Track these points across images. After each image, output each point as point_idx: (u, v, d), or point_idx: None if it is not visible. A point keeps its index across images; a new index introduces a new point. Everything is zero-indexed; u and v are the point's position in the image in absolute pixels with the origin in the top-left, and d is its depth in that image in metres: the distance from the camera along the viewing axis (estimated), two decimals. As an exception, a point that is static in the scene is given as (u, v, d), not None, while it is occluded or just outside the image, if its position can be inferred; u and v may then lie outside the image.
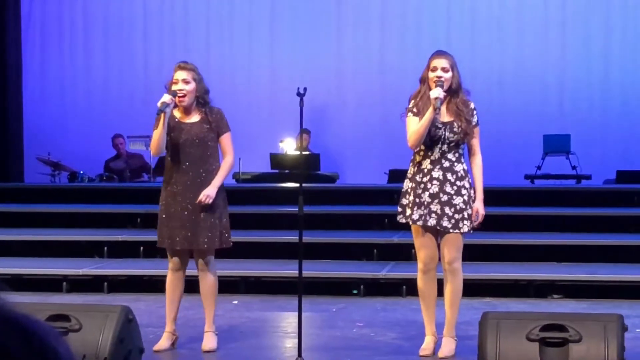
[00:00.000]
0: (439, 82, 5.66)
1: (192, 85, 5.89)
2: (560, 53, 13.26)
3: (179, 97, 5.86)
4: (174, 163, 5.93)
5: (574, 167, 12.14)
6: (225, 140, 5.99)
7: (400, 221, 5.90)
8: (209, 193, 5.85)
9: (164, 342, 6.00)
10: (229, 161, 5.99)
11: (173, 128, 5.91)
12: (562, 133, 12.38)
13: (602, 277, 8.18)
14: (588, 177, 12.08)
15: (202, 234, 5.89)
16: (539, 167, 12.20)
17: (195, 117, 5.95)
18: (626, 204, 10.04)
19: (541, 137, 12.28)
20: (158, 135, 5.80)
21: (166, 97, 5.79)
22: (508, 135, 12.74)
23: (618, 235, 9.15)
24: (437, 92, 5.61)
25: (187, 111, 5.94)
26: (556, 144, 12.23)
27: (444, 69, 5.72)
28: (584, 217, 9.59)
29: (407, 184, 5.85)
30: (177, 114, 5.96)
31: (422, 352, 5.81)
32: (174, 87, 5.87)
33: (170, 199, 5.93)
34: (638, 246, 8.87)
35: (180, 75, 5.88)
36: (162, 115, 5.76)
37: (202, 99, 5.94)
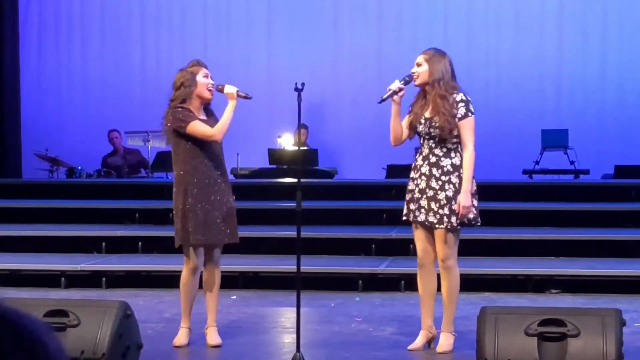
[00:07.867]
0: (407, 76, 5.79)
1: None
2: (557, 48, 13.25)
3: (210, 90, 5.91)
4: (201, 160, 5.87)
5: (572, 162, 12.13)
6: None
7: (402, 219, 5.93)
8: None
9: (184, 338, 5.99)
10: None
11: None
12: (560, 128, 12.38)
13: (600, 272, 8.18)
14: (586, 172, 12.07)
15: (235, 228, 6.01)
16: (537, 162, 12.20)
17: (204, 115, 5.94)
18: (624, 199, 10.03)
19: (539, 132, 12.28)
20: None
21: None
22: (506, 130, 12.73)
23: (616, 230, 9.15)
24: (393, 85, 5.76)
25: (199, 109, 5.92)
26: (554, 139, 12.23)
27: (417, 64, 5.79)
28: (582, 212, 9.58)
29: (408, 182, 5.90)
30: (194, 110, 5.88)
31: (410, 347, 5.80)
32: (208, 81, 5.87)
33: (207, 196, 5.88)
34: (636, 241, 8.87)
35: (207, 71, 5.92)
36: None
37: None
